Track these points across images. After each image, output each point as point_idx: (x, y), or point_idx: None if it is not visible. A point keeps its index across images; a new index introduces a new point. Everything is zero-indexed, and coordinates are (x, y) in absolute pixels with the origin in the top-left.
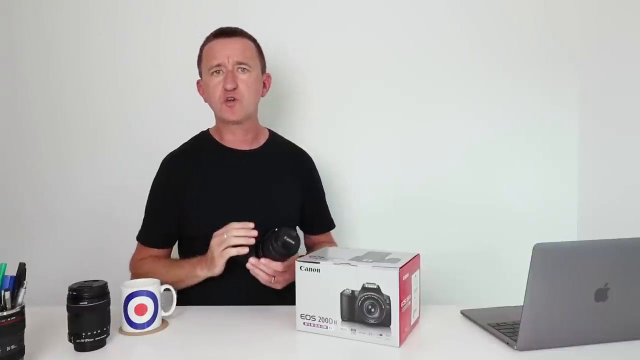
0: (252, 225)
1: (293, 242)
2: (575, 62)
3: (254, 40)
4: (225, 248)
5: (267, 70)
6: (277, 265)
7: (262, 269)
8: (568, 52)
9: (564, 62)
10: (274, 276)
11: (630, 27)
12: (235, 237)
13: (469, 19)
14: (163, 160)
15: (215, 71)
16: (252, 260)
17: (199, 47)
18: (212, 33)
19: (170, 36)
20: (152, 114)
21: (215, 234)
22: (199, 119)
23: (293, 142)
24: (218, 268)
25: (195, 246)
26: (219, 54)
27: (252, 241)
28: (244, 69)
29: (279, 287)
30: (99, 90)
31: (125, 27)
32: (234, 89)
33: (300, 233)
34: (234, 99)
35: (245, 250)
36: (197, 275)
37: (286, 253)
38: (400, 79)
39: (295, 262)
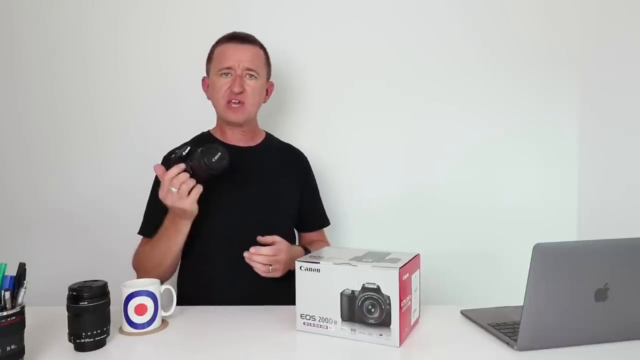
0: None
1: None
2: (575, 62)
3: (264, 49)
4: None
5: None
6: (266, 250)
7: (254, 259)
8: (568, 52)
9: (564, 62)
10: (270, 265)
11: (630, 27)
12: (184, 185)
13: (469, 18)
14: (165, 156)
15: (224, 73)
16: (245, 253)
17: (210, 47)
18: (225, 35)
19: (170, 37)
20: (152, 115)
21: (162, 195)
22: (199, 119)
23: (291, 141)
24: (194, 211)
25: (195, 243)
26: (231, 57)
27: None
28: (252, 75)
29: (279, 274)
30: (100, 91)
31: (125, 28)
32: (241, 92)
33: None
34: (238, 102)
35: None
36: (180, 230)
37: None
38: (400, 79)
39: (296, 262)
